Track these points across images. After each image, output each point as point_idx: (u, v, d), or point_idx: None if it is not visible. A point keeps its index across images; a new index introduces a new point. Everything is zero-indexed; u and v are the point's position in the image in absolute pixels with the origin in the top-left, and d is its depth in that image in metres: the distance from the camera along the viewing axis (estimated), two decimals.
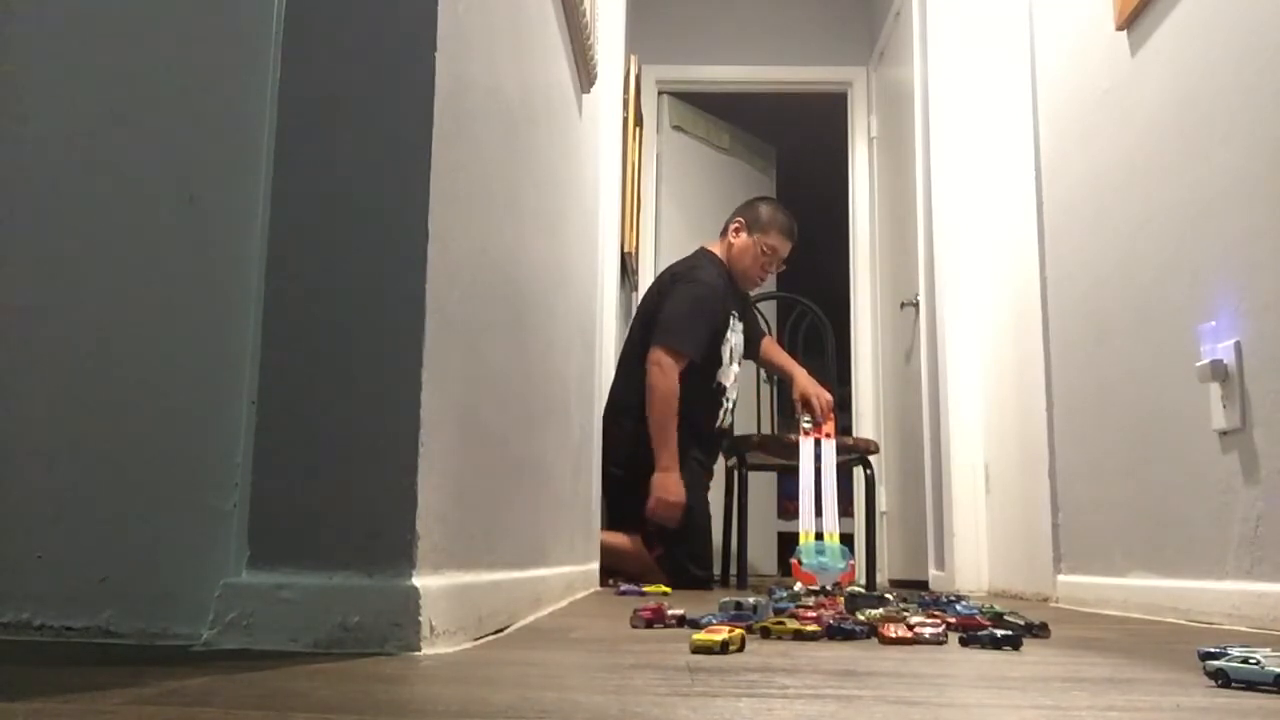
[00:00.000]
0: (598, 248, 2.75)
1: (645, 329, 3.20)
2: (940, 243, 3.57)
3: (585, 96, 2.31)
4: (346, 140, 1.04)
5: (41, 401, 1.06)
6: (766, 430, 3.63)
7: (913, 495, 3.83)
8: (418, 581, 0.96)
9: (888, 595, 1.74)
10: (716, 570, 3.58)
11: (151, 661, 0.86)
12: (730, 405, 3.34)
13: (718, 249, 3.38)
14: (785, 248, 3.36)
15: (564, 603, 1.85)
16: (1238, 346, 1.76)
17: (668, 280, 3.30)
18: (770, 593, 1.83)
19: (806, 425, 3.11)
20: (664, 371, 3.05)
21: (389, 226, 1.02)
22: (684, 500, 3.03)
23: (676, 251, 3.95)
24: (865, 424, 4.57)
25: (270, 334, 1.02)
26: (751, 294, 3.54)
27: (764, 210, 3.37)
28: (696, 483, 3.16)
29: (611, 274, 3.23)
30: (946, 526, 3.39)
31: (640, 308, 3.37)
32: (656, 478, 3.01)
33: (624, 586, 2.41)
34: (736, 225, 3.36)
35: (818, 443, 3.05)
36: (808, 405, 3.20)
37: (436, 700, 0.70)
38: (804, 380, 3.28)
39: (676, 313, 3.13)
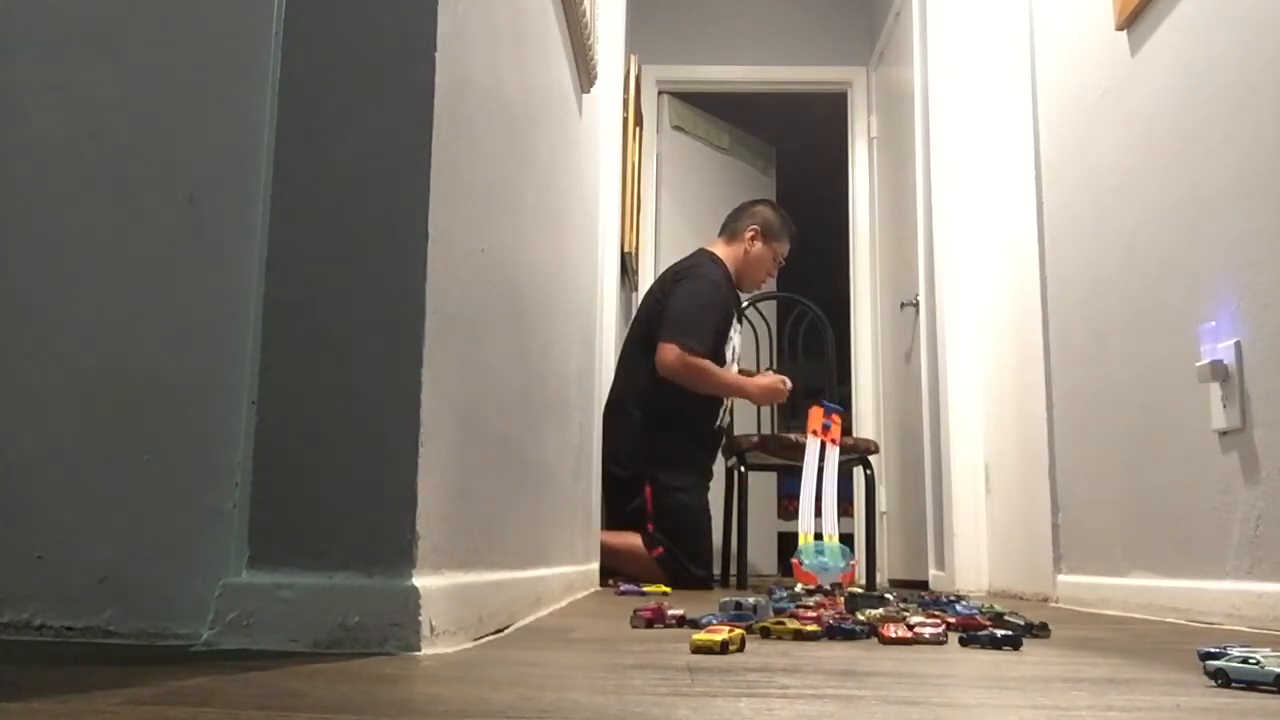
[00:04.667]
0: (598, 248, 2.75)
1: (647, 327, 3.21)
2: (940, 243, 3.57)
3: (585, 96, 2.31)
4: (346, 140, 1.04)
5: (41, 401, 1.06)
6: (766, 430, 3.63)
7: (913, 495, 3.83)
8: (418, 581, 0.96)
9: (888, 595, 1.74)
10: (716, 570, 3.58)
11: (151, 661, 0.86)
12: (729, 405, 3.35)
13: (719, 250, 3.38)
14: (787, 250, 3.45)
15: (564, 603, 1.85)
16: (1238, 346, 1.76)
17: (670, 278, 3.31)
18: (770, 593, 1.83)
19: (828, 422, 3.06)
20: (682, 360, 3.08)
21: (389, 226, 1.02)
22: (777, 383, 3.26)
23: (676, 251, 3.95)
24: (865, 424, 4.56)
25: (270, 334, 1.02)
26: (748, 295, 3.57)
27: (773, 216, 3.42)
28: (697, 482, 3.16)
29: (611, 274, 3.23)
30: (946, 526, 3.39)
31: (642, 306, 3.37)
32: (754, 391, 3.26)
33: (624, 586, 2.41)
34: (752, 233, 3.37)
35: (823, 444, 3.03)
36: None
37: (436, 700, 0.70)
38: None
39: (685, 309, 3.15)
